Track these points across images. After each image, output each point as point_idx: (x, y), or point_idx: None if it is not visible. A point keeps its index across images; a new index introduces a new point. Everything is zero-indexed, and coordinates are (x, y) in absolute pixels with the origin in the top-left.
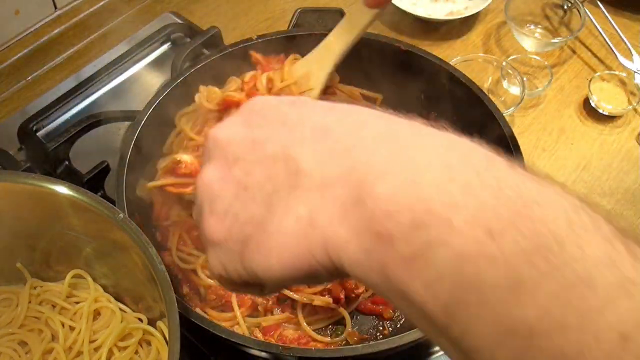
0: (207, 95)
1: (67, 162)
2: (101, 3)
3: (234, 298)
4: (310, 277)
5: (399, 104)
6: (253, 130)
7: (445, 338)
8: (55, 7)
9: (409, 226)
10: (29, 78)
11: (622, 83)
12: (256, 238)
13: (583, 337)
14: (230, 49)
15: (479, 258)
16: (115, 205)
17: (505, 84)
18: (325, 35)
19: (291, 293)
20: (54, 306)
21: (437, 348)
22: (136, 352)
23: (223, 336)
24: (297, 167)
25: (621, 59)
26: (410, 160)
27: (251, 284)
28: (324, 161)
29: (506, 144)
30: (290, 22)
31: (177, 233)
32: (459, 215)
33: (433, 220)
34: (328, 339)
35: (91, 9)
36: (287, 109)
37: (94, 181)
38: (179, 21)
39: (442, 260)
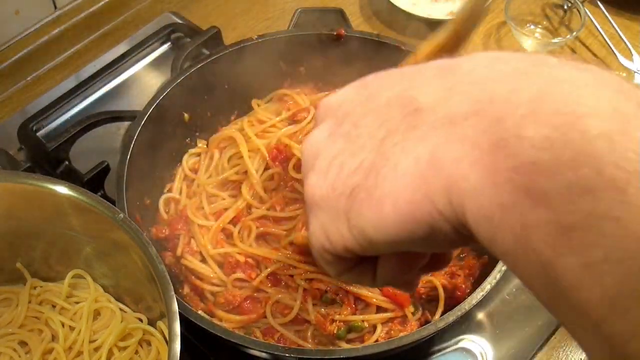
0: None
1: (67, 162)
2: (101, 3)
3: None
4: (429, 234)
5: None
6: (368, 89)
7: (594, 332)
8: (55, 7)
9: (571, 188)
10: (29, 78)
11: None
12: (366, 186)
13: None
14: (230, 49)
15: None
16: (115, 205)
17: None
18: (325, 35)
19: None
20: (54, 306)
21: (437, 348)
22: (136, 352)
23: (223, 336)
24: (416, 105)
25: (621, 59)
26: (567, 98)
27: (357, 255)
28: (449, 96)
29: None
30: (290, 22)
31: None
32: (637, 185)
33: (604, 187)
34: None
35: (91, 9)
36: (404, 68)
37: (94, 181)
38: (179, 21)
39: (612, 239)
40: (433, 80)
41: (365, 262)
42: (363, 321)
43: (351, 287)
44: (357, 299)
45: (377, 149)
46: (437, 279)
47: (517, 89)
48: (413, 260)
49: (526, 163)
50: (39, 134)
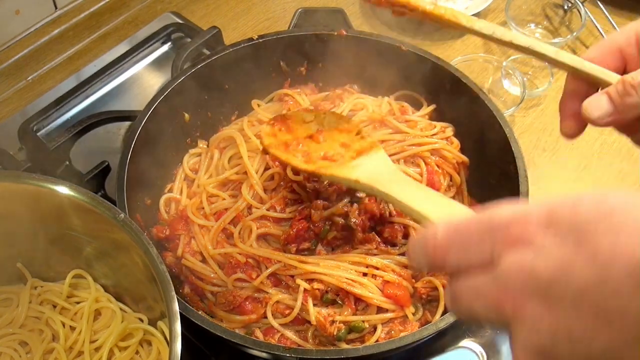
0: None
1: (67, 162)
2: (101, 3)
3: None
4: None
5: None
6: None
7: None
8: (55, 7)
9: None
10: (29, 78)
11: None
12: None
13: None
14: (230, 49)
15: None
16: (115, 205)
17: (505, 84)
18: (325, 35)
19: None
20: (54, 306)
21: (437, 348)
22: (137, 352)
23: (224, 336)
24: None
25: None
26: None
27: None
28: None
29: (506, 144)
30: (291, 22)
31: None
32: None
33: None
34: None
35: (91, 9)
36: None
37: (95, 181)
38: (179, 21)
39: None
40: None
41: None
42: (363, 322)
43: (351, 288)
44: (358, 299)
45: None
46: (438, 279)
47: None
48: None
49: None
50: (39, 134)
